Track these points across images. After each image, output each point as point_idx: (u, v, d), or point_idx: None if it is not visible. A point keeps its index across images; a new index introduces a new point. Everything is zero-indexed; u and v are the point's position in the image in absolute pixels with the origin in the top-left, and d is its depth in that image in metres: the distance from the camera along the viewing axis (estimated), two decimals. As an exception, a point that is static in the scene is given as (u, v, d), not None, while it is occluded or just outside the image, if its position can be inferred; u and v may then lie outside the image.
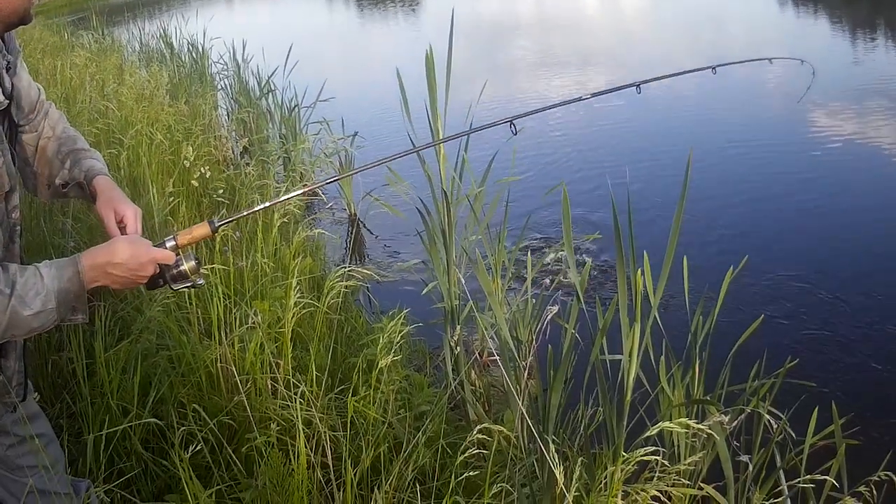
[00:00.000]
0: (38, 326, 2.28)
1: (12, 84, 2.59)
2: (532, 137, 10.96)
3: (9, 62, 2.57)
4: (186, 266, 2.54)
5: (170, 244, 2.55)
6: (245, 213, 3.04)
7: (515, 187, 7.03)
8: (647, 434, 3.23)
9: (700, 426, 3.13)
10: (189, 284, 2.58)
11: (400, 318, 4.14)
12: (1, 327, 2.21)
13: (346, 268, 4.82)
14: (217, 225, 2.67)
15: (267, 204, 3.03)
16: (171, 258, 2.51)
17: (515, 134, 3.43)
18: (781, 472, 3.60)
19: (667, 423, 3.07)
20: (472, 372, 5.13)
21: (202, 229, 2.64)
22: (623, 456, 3.04)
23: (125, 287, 2.47)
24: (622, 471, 3.04)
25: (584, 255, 6.84)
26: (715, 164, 9.80)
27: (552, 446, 3.13)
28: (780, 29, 20.21)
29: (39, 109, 2.87)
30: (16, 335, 2.29)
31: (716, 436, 3.45)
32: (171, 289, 2.59)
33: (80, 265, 2.33)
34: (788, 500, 3.62)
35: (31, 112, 2.81)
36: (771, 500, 3.56)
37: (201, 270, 2.61)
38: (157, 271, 2.52)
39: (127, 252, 2.39)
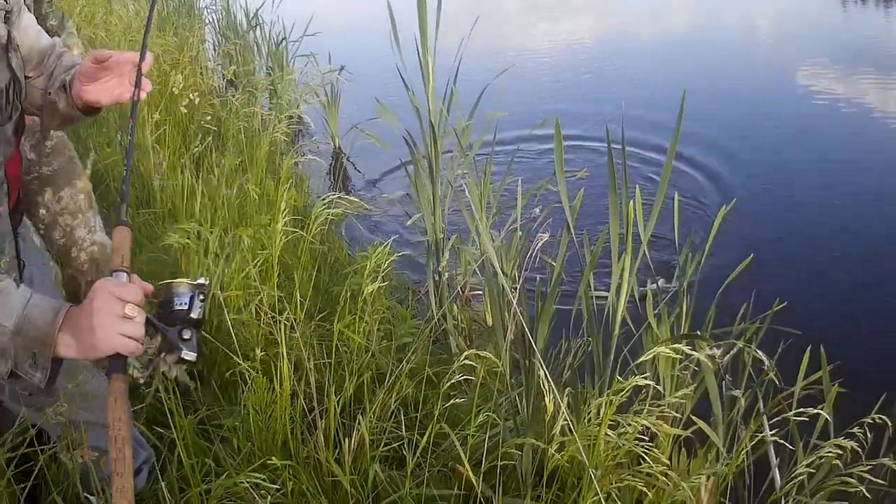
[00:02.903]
0: None
1: (9, 34, 2.43)
2: (524, 76, 10.90)
3: (7, 11, 2.44)
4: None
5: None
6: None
7: (506, 124, 7.00)
8: (640, 360, 3.22)
9: (693, 352, 3.11)
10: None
11: (385, 246, 4.11)
12: None
13: (332, 195, 4.78)
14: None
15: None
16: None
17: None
18: (765, 417, 3.59)
19: (660, 348, 3.04)
20: (455, 306, 5.11)
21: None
22: (618, 380, 3.01)
23: (94, 329, 1.82)
24: (615, 397, 3.01)
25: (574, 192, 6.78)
26: (709, 107, 9.74)
27: (541, 371, 3.11)
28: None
29: (51, 54, 2.71)
30: None
31: (709, 364, 3.43)
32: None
33: (63, 307, 1.88)
34: (771, 446, 3.61)
35: (40, 63, 2.67)
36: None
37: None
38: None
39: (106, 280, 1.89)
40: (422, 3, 4.69)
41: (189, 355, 1.94)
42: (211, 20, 12.65)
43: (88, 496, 2.56)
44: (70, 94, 2.52)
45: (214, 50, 11.79)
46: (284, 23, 10.22)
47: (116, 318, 1.80)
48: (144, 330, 1.86)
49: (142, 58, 2.36)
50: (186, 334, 1.93)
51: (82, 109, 2.54)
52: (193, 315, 1.96)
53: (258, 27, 10.96)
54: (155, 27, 10.40)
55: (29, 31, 2.60)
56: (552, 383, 3.09)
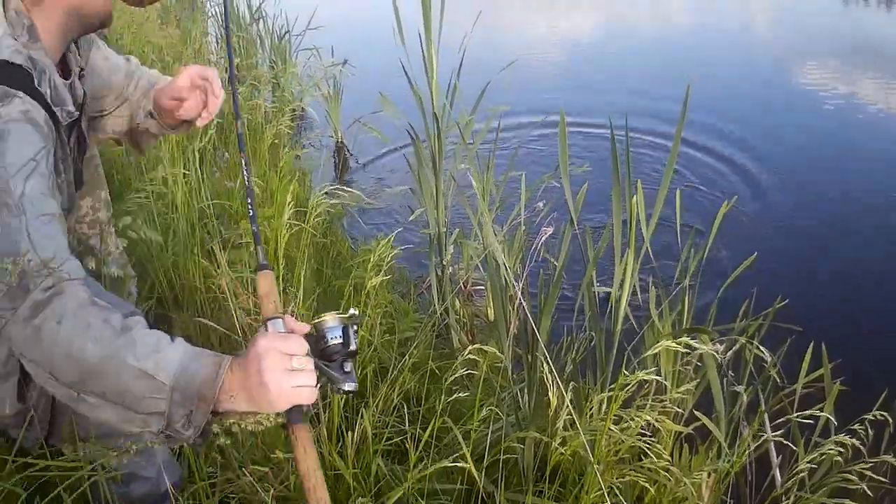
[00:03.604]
0: (133, 405, 1.81)
1: (84, 92, 2.50)
2: (527, 70, 10.88)
3: (82, 69, 2.50)
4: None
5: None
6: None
7: (509, 118, 7.01)
8: (646, 355, 3.23)
9: (700, 346, 3.10)
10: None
11: (389, 240, 4.12)
12: (89, 370, 1.79)
13: (331, 186, 4.78)
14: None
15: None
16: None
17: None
18: (766, 415, 3.59)
19: (667, 343, 3.03)
20: (457, 301, 5.12)
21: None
22: (624, 374, 3.01)
23: (267, 387, 1.81)
24: (620, 392, 3.02)
25: (576, 187, 6.77)
26: (713, 101, 9.74)
27: (545, 366, 3.11)
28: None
29: (128, 84, 2.83)
30: (94, 400, 1.82)
31: (716, 356, 3.43)
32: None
33: (225, 361, 1.86)
34: (772, 444, 3.62)
35: (117, 98, 2.78)
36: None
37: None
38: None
39: (266, 335, 1.88)
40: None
41: (350, 386, 1.98)
42: (214, 13, 12.64)
43: None
44: (157, 116, 2.76)
45: (217, 43, 11.78)
46: (287, 16, 10.22)
47: (287, 373, 1.81)
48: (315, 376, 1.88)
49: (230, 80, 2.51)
50: (347, 367, 1.98)
51: (172, 125, 2.80)
52: (352, 347, 1.99)
53: (261, 20, 10.95)
54: (158, 19, 10.40)
55: (102, 73, 2.72)
56: (556, 377, 3.10)
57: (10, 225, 1.90)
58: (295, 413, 1.86)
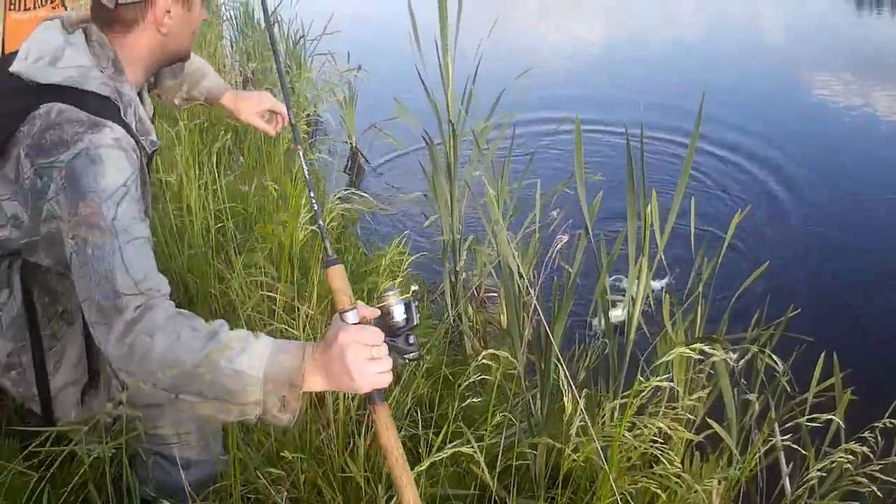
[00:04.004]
0: (230, 398, 1.98)
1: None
2: (541, 77, 10.87)
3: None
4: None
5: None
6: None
7: (524, 124, 7.02)
8: (662, 361, 3.25)
9: (714, 353, 3.12)
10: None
11: (402, 245, 4.14)
12: (185, 375, 1.96)
13: (346, 190, 4.81)
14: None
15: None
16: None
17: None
18: (776, 423, 3.61)
19: (682, 349, 3.05)
20: (470, 307, 5.13)
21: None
22: (640, 381, 3.04)
23: (352, 377, 1.98)
24: (636, 399, 3.04)
25: (590, 194, 6.78)
26: (727, 109, 9.74)
27: (561, 372, 3.14)
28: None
29: (181, 86, 3.25)
30: (192, 399, 1.99)
31: (724, 367, 3.45)
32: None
33: (307, 348, 2.03)
34: (782, 452, 3.63)
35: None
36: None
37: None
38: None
39: (347, 328, 2.02)
40: (442, 3, 4.71)
41: (414, 355, 2.14)
42: (229, 17, 12.65)
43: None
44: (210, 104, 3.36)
45: (232, 47, 11.78)
46: (303, 20, 10.22)
47: (369, 361, 1.96)
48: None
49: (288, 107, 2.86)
50: (411, 339, 2.12)
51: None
52: (415, 322, 2.13)
53: (276, 24, 10.94)
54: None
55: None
56: (572, 383, 3.13)
57: (104, 247, 2.05)
58: (376, 394, 2.03)
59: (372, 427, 2.38)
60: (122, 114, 2.32)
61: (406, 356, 2.13)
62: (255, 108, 3.40)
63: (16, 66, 2.28)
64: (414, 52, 4.72)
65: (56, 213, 2.17)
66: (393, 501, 2.56)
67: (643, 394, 3.05)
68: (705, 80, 11.03)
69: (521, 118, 5.79)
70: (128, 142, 2.25)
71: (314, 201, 2.38)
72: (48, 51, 2.29)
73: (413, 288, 2.19)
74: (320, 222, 2.36)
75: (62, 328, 2.53)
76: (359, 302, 2.12)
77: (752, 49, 13.68)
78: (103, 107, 2.27)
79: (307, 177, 2.44)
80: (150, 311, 2.00)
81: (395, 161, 8.56)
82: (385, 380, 2.00)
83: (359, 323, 2.05)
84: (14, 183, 2.26)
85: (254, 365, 1.96)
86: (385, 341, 2.04)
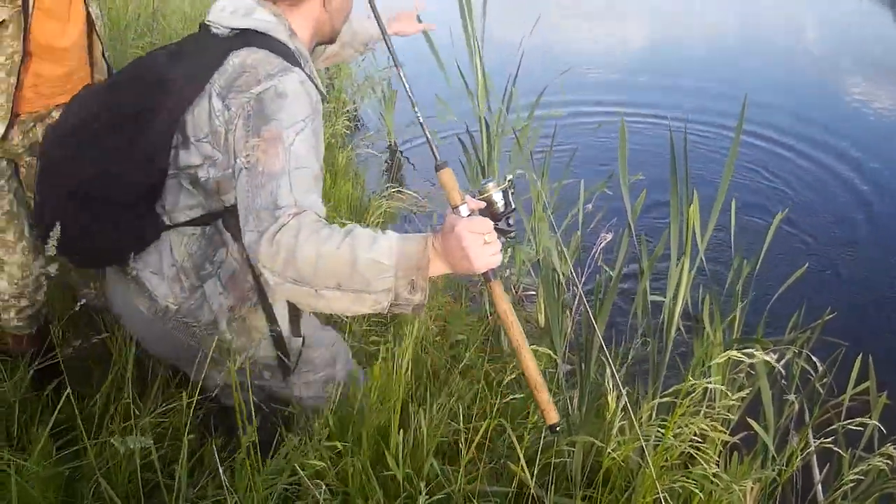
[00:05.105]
0: (365, 288, 2.25)
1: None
2: (581, 78, 10.87)
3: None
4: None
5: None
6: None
7: (565, 126, 7.01)
8: (711, 364, 3.30)
9: (760, 356, 3.15)
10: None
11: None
12: (325, 268, 2.22)
13: (390, 188, 4.83)
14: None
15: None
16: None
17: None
18: (810, 427, 3.62)
19: (732, 353, 3.10)
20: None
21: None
22: (690, 381, 3.08)
23: (471, 260, 2.27)
24: (685, 400, 3.08)
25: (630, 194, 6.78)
26: (768, 111, 9.71)
27: (608, 370, 3.17)
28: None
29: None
30: (330, 294, 2.26)
31: (764, 368, 3.47)
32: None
33: (429, 238, 2.31)
34: (815, 456, 3.65)
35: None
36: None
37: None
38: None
39: (461, 220, 2.29)
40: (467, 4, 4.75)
41: (512, 230, 2.56)
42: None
43: None
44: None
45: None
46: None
47: (483, 246, 2.25)
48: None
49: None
50: (511, 221, 2.54)
51: None
52: (512, 206, 2.54)
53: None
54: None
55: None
56: (619, 381, 3.17)
57: (275, 166, 2.36)
58: (490, 273, 2.35)
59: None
60: (303, 66, 2.64)
61: (508, 236, 2.55)
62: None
63: (212, 16, 2.66)
64: (455, 49, 4.75)
65: (238, 138, 2.45)
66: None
67: (692, 395, 3.09)
68: (747, 82, 10.99)
69: (560, 116, 5.80)
70: (310, 86, 2.57)
71: (419, 117, 2.60)
72: (241, 6, 2.65)
73: (508, 177, 2.56)
74: (427, 134, 2.57)
75: None
76: (467, 197, 2.41)
77: (791, 48, 13.62)
78: (289, 55, 2.61)
79: (410, 96, 2.68)
80: (298, 216, 2.26)
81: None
82: (497, 259, 2.29)
83: (470, 215, 2.32)
84: (207, 124, 2.52)
85: (385, 255, 2.23)
86: (496, 227, 2.34)
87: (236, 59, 2.54)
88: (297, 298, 2.33)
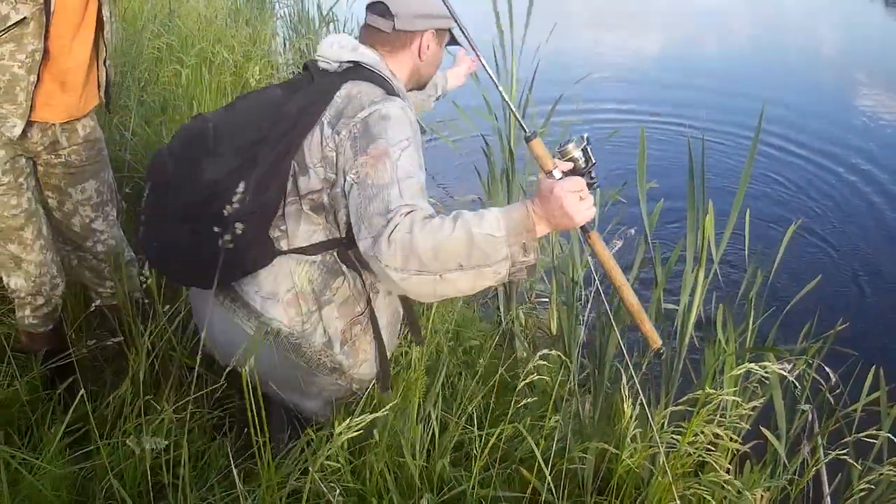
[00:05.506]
0: (484, 262, 2.42)
1: None
2: (597, 85, 10.87)
3: None
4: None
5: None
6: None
7: (580, 131, 7.01)
8: (731, 374, 3.33)
9: (774, 367, 3.19)
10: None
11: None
12: (445, 253, 2.39)
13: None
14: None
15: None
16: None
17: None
18: (819, 436, 3.63)
19: (749, 365, 3.13)
20: (520, 312, 5.17)
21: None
22: (706, 391, 3.11)
23: (572, 216, 2.48)
24: (703, 409, 3.11)
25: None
26: (786, 120, 9.73)
27: (623, 377, 3.20)
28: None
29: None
30: (453, 276, 2.43)
31: (786, 376, 3.50)
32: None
33: (528, 204, 2.49)
34: (824, 466, 3.66)
35: None
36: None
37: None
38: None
39: (556, 182, 2.49)
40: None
41: (596, 181, 2.76)
42: (283, 14, 12.65)
43: None
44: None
45: (285, 44, 11.76)
46: (358, 19, 10.16)
47: (580, 202, 2.45)
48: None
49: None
50: (594, 173, 2.75)
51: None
52: (593, 161, 2.74)
53: (332, 23, 10.89)
54: (229, 18, 10.40)
55: None
56: (640, 388, 3.20)
57: (384, 179, 2.55)
58: (588, 225, 2.58)
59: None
60: (402, 98, 2.85)
61: (594, 185, 2.70)
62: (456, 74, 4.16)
63: (321, 52, 2.94)
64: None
65: (347, 158, 2.65)
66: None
67: (710, 405, 3.12)
68: (764, 92, 10.95)
69: (579, 122, 5.81)
70: (410, 112, 2.78)
71: (503, 94, 2.91)
72: (348, 43, 2.94)
73: (585, 135, 2.76)
74: (513, 107, 2.95)
75: (376, 297, 3.02)
76: (556, 161, 2.63)
77: (809, 58, 13.60)
78: (391, 88, 2.83)
79: (493, 80, 2.97)
80: (408, 214, 2.45)
81: (451, 163, 8.55)
82: (592, 212, 2.50)
83: (561, 178, 2.50)
84: (320, 150, 2.73)
85: (495, 227, 2.40)
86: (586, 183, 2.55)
87: (344, 90, 2.77)
88: (422, 289, 2.48)
